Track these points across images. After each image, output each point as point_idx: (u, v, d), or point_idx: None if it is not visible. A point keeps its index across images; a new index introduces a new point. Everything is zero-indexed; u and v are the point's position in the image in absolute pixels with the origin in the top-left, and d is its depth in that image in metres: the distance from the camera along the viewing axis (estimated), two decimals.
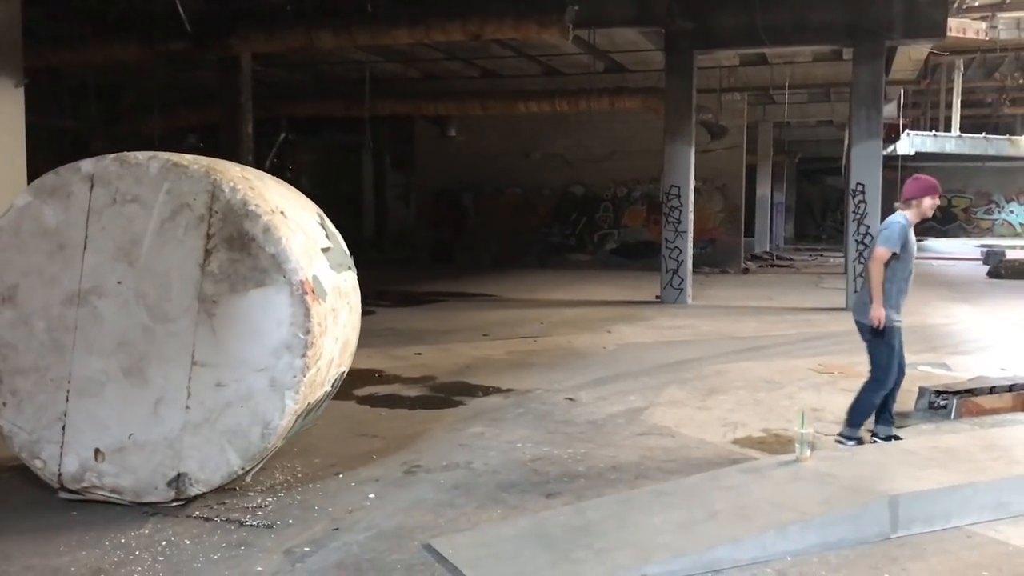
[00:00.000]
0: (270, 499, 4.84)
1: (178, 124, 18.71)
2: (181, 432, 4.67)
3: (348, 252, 5.60)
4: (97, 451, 4.72)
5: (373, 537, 4.33)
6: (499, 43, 15.50)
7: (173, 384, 4.67)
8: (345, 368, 5.51)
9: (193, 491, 4.69)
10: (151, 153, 4.87)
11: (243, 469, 4.72)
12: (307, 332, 4.65)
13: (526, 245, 21.79)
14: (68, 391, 4.74)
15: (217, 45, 12.12)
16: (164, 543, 4.25)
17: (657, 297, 14.29)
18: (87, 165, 4.82)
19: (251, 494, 4.90)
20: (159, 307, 4.70)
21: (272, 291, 4.64)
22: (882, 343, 5.92)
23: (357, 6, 11.36)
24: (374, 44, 13.17)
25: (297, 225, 4.94)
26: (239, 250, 4.66)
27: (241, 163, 12.12)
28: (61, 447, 4.74)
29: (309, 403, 4.89)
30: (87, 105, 17.69)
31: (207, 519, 4.56)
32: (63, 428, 4.74)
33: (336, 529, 4.44)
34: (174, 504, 4.69)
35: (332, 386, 5.34)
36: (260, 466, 4.83)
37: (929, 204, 6.31)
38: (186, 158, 4.89)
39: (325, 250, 5.15)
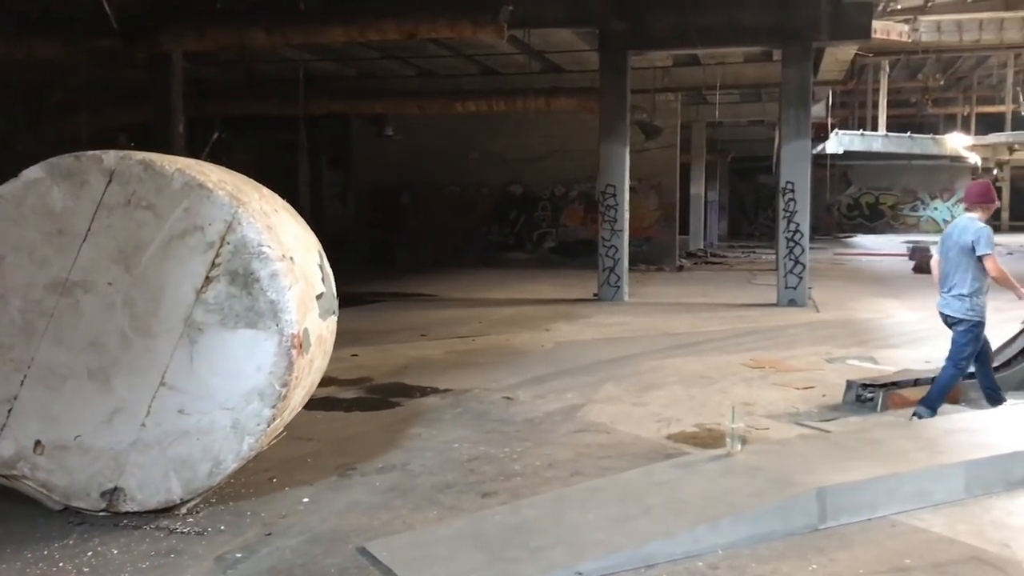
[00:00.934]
0: (201, 505, 4.75)
1: (108, 124, 18.25)
2: (130, 447, 4.57)
3: (335, 294, 5.52)
4: (38, 443, 4.61)
5: (307, 542, 4.30)
6: (435, 42, 15.45)
7: (135, 398, 4.57)
8: (300, 408, 5.45)
9: (125, 507, 4.60)
10: (180, 166, 4.73)
11: (181, 500, 4.64)
12: (284, 385, 4.60)
13: (465, 244, 21.78)
14: (25, 376, 4.61)
15: (146, 43, 11.86)
16: (90, 553, 4.15)
17: (595, 295, 14.41)
18: (110, 159, 4.69)
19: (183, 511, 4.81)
20: (143, 319, 4.59)
21: (261, 336, 4.57)
22: (972, 336, 6.39)
23: (290, 4, 11.22)
24: (308, 43, 13.05)
25: (302, 272, 4.87)
26: (240, 287, 4.57)
27: None
28: (1, 429, 4.61)
29: (262, 447, 4.82)
30: (11, 105, 17.16)
31: (135, 527, 4.47)
32: (9, 411, 4.62)
33: (269, 534, 4.39)
34: (101, 514, 4.58)
35: (285, 428, 5.29)
36: (198, 501, 4.74)
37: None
38: (213, 178, 4.75)
39: (319, 296, 5.09)
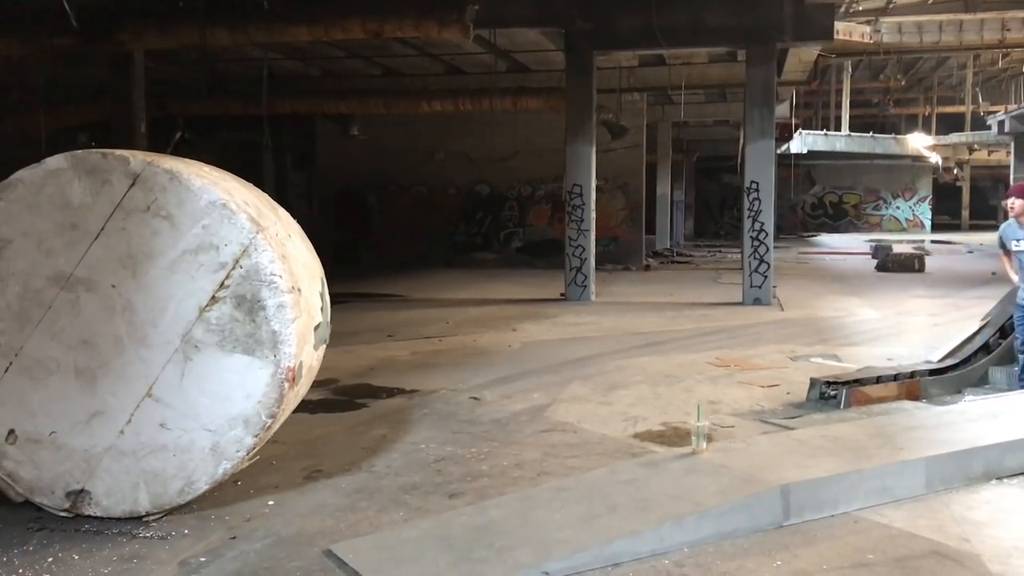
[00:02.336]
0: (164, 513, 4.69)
1: (68, 122, 17.97)
2: (104, 452, 4.52)
3: (330, 322, 5.49)
4: (11, 432, 4.54)
5: (272, 545, 4.26)
6: (401, 41, 15.41)
7: (119, 404, 4.52)
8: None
9: (88, 511, 4.54)
10: (207, 181, 4.65)
11: (147, 513, 4.58)
12: (271, 416, 4.57)
13: (432, 244, 21.72)
14: (11, 363, 4.54)
15: (106, 41, 11.70)
16: (50, 559, 4.09)
17: (562, 295, 14.43)
18: (136, 163, 4.62)
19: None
20: (141, 328, 4.54)
21: (256, 364, 4.53)
22: None
23: (254, 3, 11.12)
24: (272, 42, 12.95)
25: (306, 303, 4.83)
26: (245, 312, 4.53)
27: None
28: None
29: (236, 471, 4.78)
30: None
31: (97, 532, 4.41)
32: None
33: (233, 538, 4.35)
34: (62, 514, 4.52)
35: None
36: (162, 518, 4.67)
37: (1008, 204, 7.20)
38: (237, 199, 4.69)
39: (316, 327, 5.05)
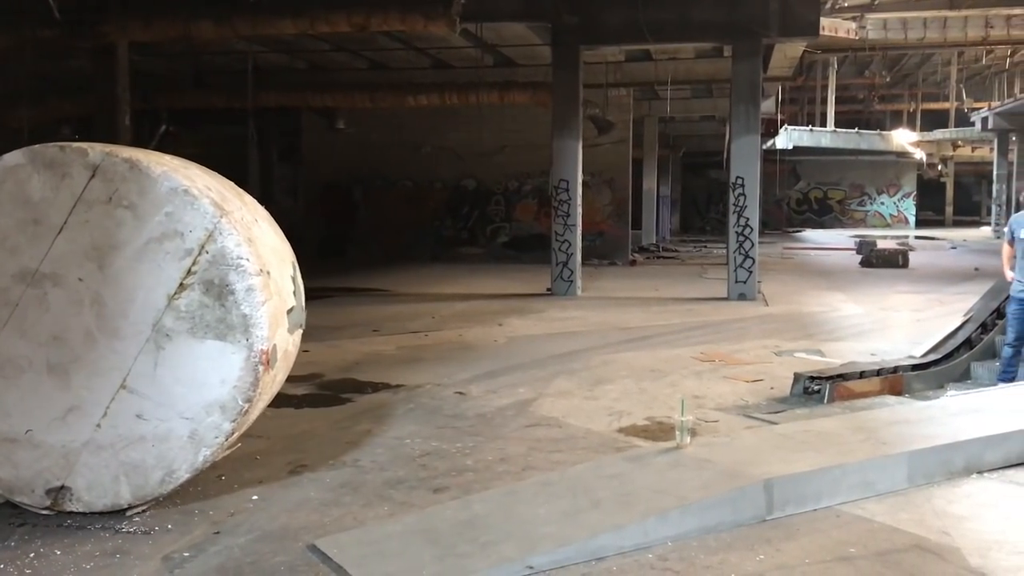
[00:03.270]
0: (148, 504, 4.68)
1: (51, 115, 17.84)
2: (82, 447, 4.49)
3: (304, 306, 5.46)
4: None
5: (256, 539, 4.25)
6: (387, 35, 15.35)
7: (94, 398, 4.48)
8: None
9: (70, 507, 4.51)
10: (167, 168, 4.62)
11: (129, 505, 4.55)
12: (247, 400, 4.55)
13: (418, 239, 21.68)
14: None
15: (90, 33, 11.61)
16: (32, 555, 4.07)
17: (548, 289, 14.44)
18: (95, 155, 4.57)
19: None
20: (111, 320, 4.50)
21: (230, 349, 4.50)
22: None
23: None
24: (257, 35, 12.91)
25: (276, 287, 4.80)
26: (214, 298, 4.49)
27: None
28: None
29: (216, 458, 4.76)
30: None
31: (79, 527, 4.39)
32: None
33: (217, 533, 4.34)
34: (44, 512, 4.49)
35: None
36: (145, 508, 4.66)
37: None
38: (199, 184, 4.66)
39: (289, 310, 5.02)
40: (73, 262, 4.53)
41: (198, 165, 5.18)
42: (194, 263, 4.50)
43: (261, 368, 4.55)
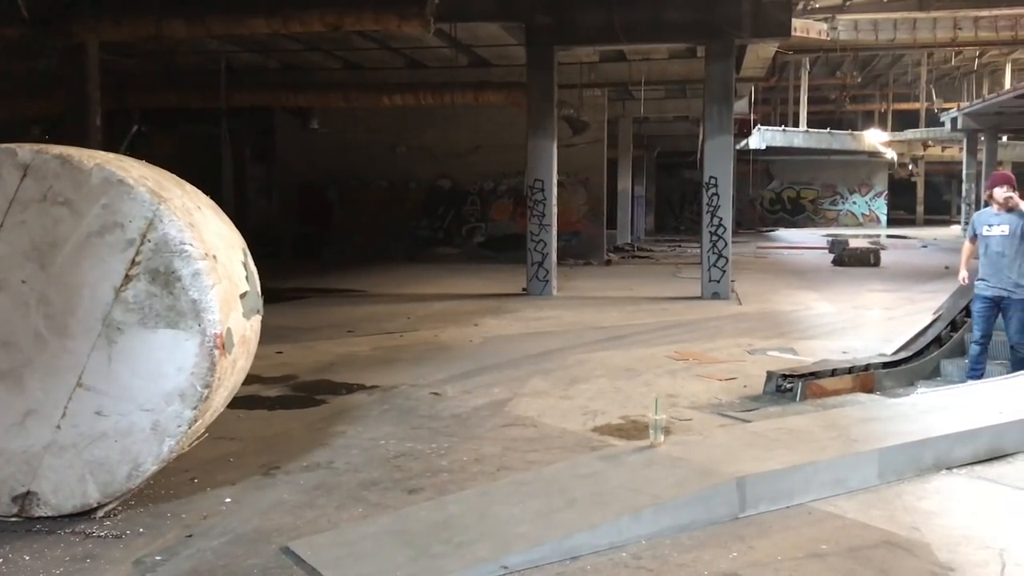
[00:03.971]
0: (119, 508, 4.63)
1: (20, 115, 17.64)
2: (44, 450, 4.43)
3: (260, 293, 5.40)
4: None
5: (229, 542, 4.22)
6: (361, 35, 15.31)
7: (51, 400, 4.42)
8: (223, 409, 5.34)
9: (39, 512, 4.45)
10: (100, 160, 4.56)
11: (98, 504, 4.50)
12: (206, 386, 4.50)
13: (394, 239, 21.64)
14: None
15: (59, 32, 11.49)
16: (0, 561, 4.01)
17: (524, 289, 14.46)
18: (25, 154, 4.49)
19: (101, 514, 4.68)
20: (60, 319, 4.44)
21: (183, 336, 4.45)
22: None
23: None
24: (229, 34, 12.82)
25: (224, 271, 4.74)
26: (161, 286, 4.44)
27: None
28: None
29: (182, 449, 4.72)
30: None
31: (49, 532, 4.34)
32: None
33: (190, 536, 4.30)
34: (12, 519, 4.44)
35: (206, 429, 5.18)
36: (115, 505, 4.62)
37: (998, 194, 7.23)
38: (134, 174, 4.59)
39: (242, 295, 4.97)
40: (14, 264, 4.47)
41: (134, 159, 5.12)
42: (137, 253, 4.46)
43: (217, 353, 4.51)
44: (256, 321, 5.29)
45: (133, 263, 4.45)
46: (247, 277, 5.15)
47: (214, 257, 4.66)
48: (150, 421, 4.47)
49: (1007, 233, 7.12)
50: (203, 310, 4.47)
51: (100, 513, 4.52)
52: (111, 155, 4.95)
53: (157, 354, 4.46)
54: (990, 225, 7.25)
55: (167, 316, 4.46)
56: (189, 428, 4.54)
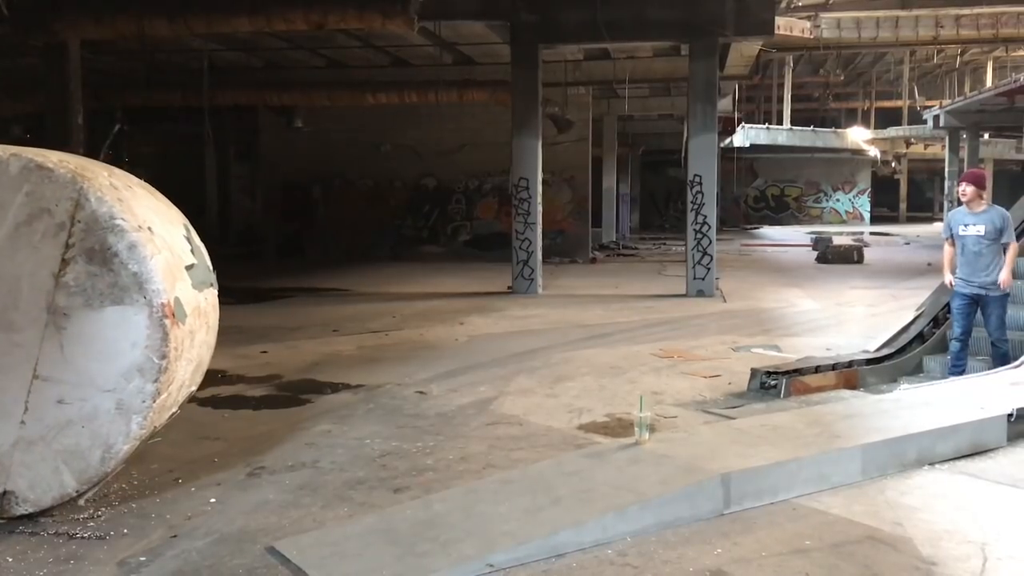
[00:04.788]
0: (103, 509, 4.62)
1: (0, 114, 17.53)
2: (12, 448, 4.39)
3: (211, 267, 5.38)
4: None
5: (214, 543, 4.21)
6: (345, 33, 15.27)
7: (10, 397, 4.39)
8: (194, 387, 5.31)
9: (19, 511, 4.43)
10: (14, 150, 4.53)
11: (77, 492, 4.49)
12: (163, 357, 4.47)
13: (378, 238, 21.58)
14: None
15: (40, 31, 11.42)
16: None
17: (509, 288, 14.46)
18: None
19: (82, 505, 4.65)
20: (3, 315, 4.40)
21: (130, 311, 4.43)
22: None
23: None
24: (212, 32, 12.74)
25: (164, 242, 4.71)
26: (99, 264, 4.42)
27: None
28: None
29: (155, 427, 4.69)
30: None
31: (32, 533, 4.31)
32: None
33: (174, 536, 4.29)
34: None
35: (179, 407, 5.16)
36: (95, 490, 4.59)
37: (960, 190, 7.40)
38: (52, 159, 4.57)
39: (189, 267, 4.94)
40: None
41: (55, 151, 5.09)
42: (70, 236, 4.43)
43: (168, 322, 4.48)
44: (211, 295, 5.25)
45: (67, 246, 4.43)
46: (192, 251, 5.12)
47: (149, 229, 4.63)
48: (113, 401, 4.45)
49: (982, 233, 7.16)
50: (146, 281, 4.45)
51: (81, 501, 4.51)
52: (28, 148, 4.90)
53: (108, 333, 4.44)
54: (965, 225, 7.29)
55: (111, 293, 4.44)
56: (154, 402, 4.51)
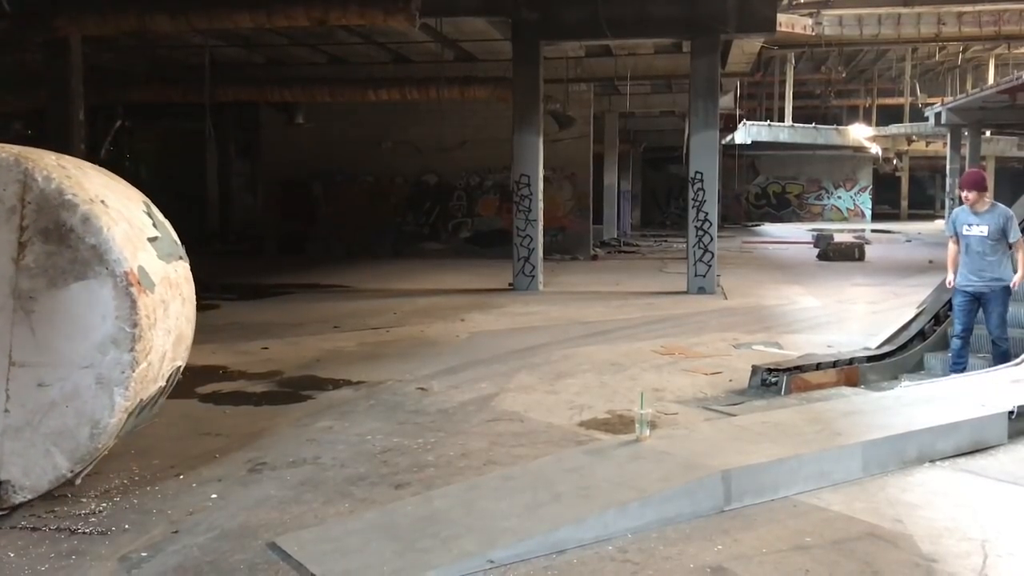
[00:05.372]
0: (104, 504, 4.62)
1: (2, 110, 17.53)
2: (1, 437, 4.40)
3: (179, 242, 5.37)
4: None
5: (215, 538, 4.22)
6: (346, 29, 15.27)
7: None
8: (181, 362, 5.31)
9: (17, 499, 4.43)
10: None
11: (72, 472, 4.49)
12: (134, 325, 4.46)
13: (380, 235, 21.57)
14: None
15: (42, 26, 11.43)
16: None
17: (510, 285, 14.46)
18: None
19: (84, 500, 4.67)
20: None
21: (95, 284, 4.43)
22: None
23: None
24: (213, 28, 12.75)
25: (119, 214, 4.70)
26: (57, 242, 4.42)
27: (72, 152, 11.48)
28: None
29: (141, 399, 4.68)
30: None
31: (34, 529, 4.32)
32: None
33: (175, 532, 4.30)
34: None
35: (167, 381, 5.14)
36: (91, 467, 4.60)
37: (963, 196, 7.36)
38: None
39: (152, 239, 4.93)
40: None
41: None
42: (22, 218, 4.43)
43: (134, 290, 4.47)
44: (182, 267, 5.24)
45: (22, 229, 4.43)
46: (155, 225, 5.11)
47: (102, 202, 4.62)
48: (93, 376, 4.45)
49: (985, 234, 7.17)
50: (105, 252, 4.45)
51: (78, 481, 4.50)
52: None
53: (77, 309, 4.44)
54: (969, 225, 7.30)
55: (74, 269, 4.44)
56: (133, 371, 4.49)
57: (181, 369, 5.38)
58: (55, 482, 4.48)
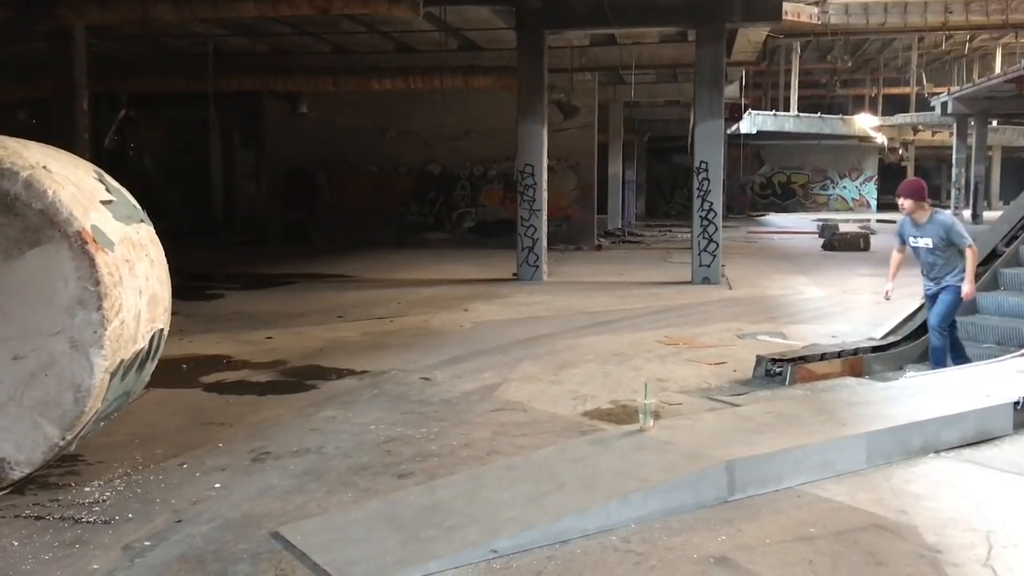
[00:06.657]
0: (108, 493, 4.63)
1: (5, 99, 17.53)
2: None
3: (139, 207, 5.28)
4: None
5: (218, 527, 4.22)
6: (350, 18, 15.21)
7: None
8: (162, 325, 5.21)
9: (15, 475, 4.44)
10: None
11: (64, 439, 4.48)
12: (97, 283, 4.41)
13: (383, 224, 21.56)
14: None
15: (45, 15, 11.40)
16: None
17: (514, 275, 14.45)
18: None
19: (87, 489, 4.68)
20: None
21: (50, 248, 4.40)
22: None
23: None
24: (217, 17, 12.69)
25: (65, 179, 4.63)
26: (4, 212, 4.38)
27: (77, 141, 11.48)
28: None
29: (122, 359, 4.63)
30: None
31: (38, 518, 4.32)
32: None
33: (179, 521, 4.30)
34: (1, 493, 4.43)
35: (149, 344, 5.05)
36: (84, 432, 4.56)
37: (900, 204, 7.41)
38: None
39: (106, 202, 4.86)
40: None
41: None
42: None
43: (91, 248, 4.43)
44: (144, 229, 5.17)
45: None
46: (108, 190, 5.04)
47: (45, 167, 4.57)
48: (66, 341, 4.43)
49: (931, 246, 7.19)
50: (54, 215, 4.40)
51: (73, 447, 4.49)
52: None
53: (38, 277, 4.43)
54: (914, 237, 7.32)
55: (27, 236, 4.41)
56: (106, 330, 4.45)
57: (164, 333, 5.30)
58: (50, 452, 4.48)
